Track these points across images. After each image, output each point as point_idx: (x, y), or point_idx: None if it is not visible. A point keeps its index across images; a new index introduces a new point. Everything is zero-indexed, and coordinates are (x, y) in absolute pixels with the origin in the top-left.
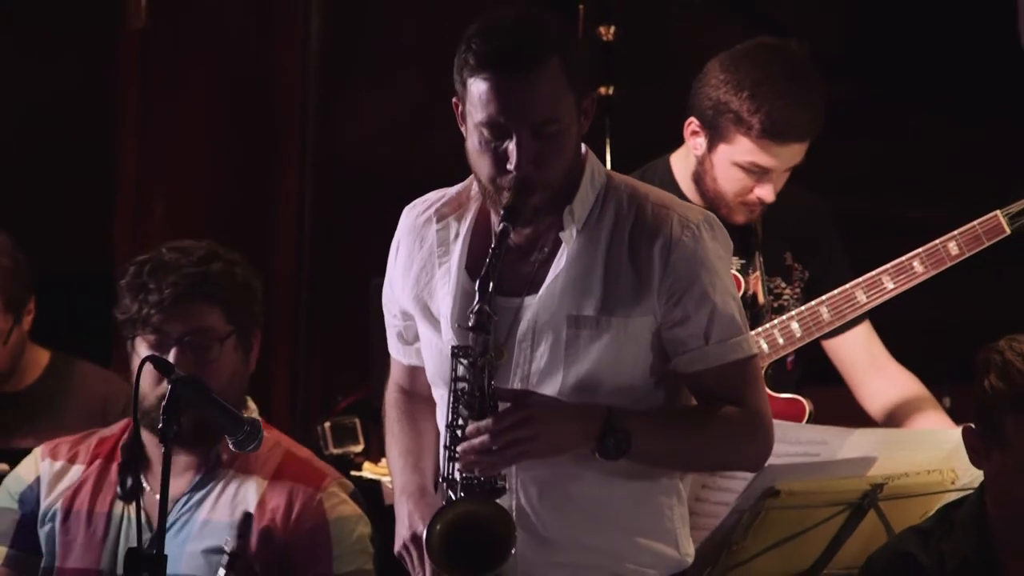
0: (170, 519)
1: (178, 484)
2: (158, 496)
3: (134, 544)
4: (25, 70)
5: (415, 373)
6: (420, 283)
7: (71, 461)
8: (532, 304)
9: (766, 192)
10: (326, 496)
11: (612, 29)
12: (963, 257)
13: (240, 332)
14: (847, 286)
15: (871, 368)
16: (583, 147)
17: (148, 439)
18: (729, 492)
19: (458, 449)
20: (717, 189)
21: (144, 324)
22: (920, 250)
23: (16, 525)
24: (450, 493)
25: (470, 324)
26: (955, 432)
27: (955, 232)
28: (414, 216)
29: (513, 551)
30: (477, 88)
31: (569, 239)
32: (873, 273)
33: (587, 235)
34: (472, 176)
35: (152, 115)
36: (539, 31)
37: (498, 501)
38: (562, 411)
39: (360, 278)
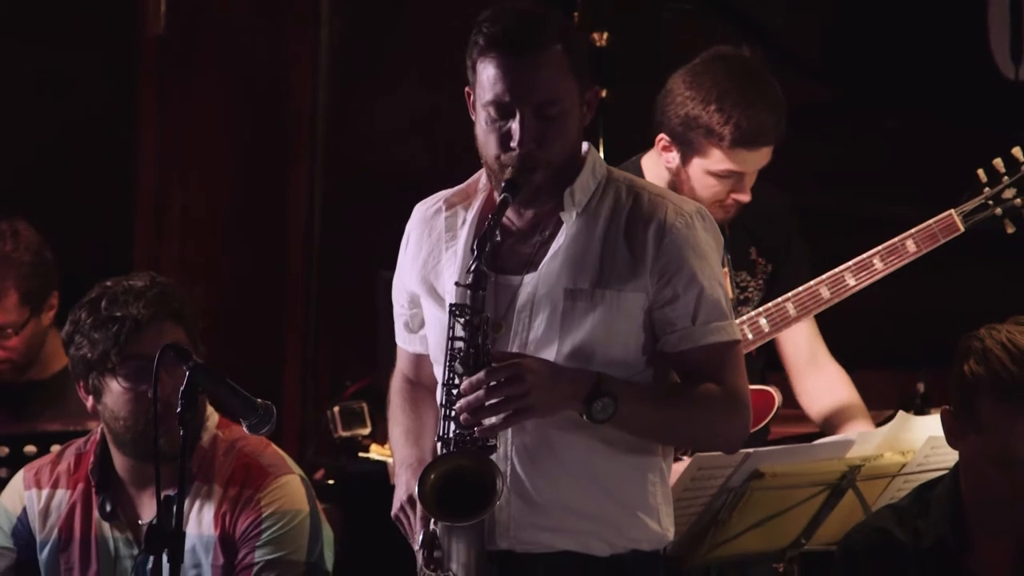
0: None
1: (152, 505)
2: (140, 519)
3: (127, 562)
4: (52, 75)
5: (419, 362)
6: (428, 266)
7: (54, 487)
8: (532, 280)
9: (742, 194)
10: (265, 495)
11: (605, 35)
12: (920, 254)
13: (197, 348)
14: (812, 283)
15: (810, 365)
16: (586, 144)
17: (118, 461)
18: (718, 478)
19: (454, 406)
20: (693, 196)
21: (120, 353)
22: (880, 248)
23: (15, 563)
24: (443, 450)
25: (467, 281)
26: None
27: (912, 231)
28: (424, 209)
29: (498, 500)
30: (485, 69)
31: (569, 219)
32: (836, 271)
33: (586, 217)
34: (480, 171)
35: (170, 117)
36: (544, 19)
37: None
38: (553, 371)
39: (367, 271)
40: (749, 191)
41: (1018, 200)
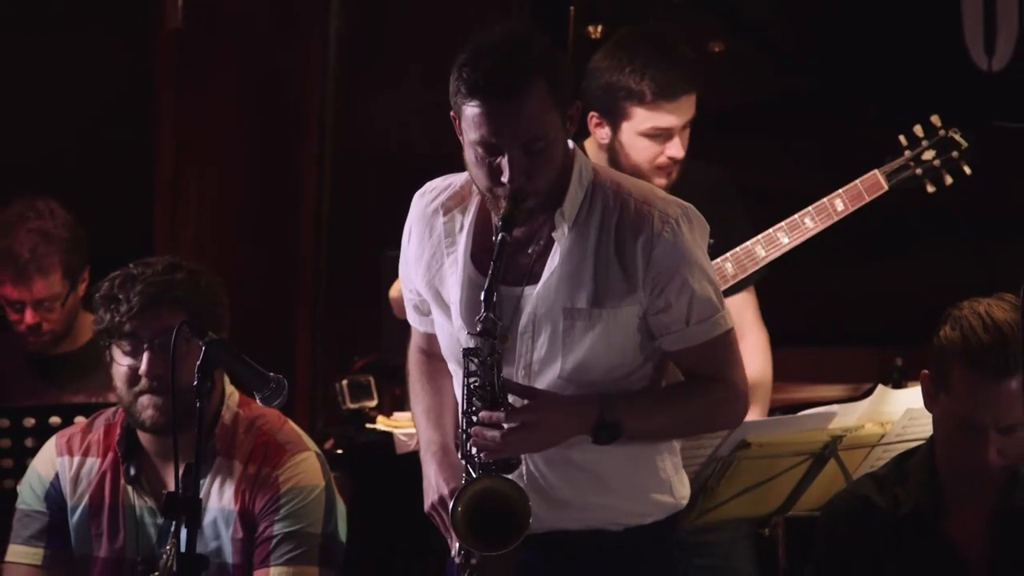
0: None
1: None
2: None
3: (151, 529)
4: (74, 69)
5: (432, 339)
6: (431, 270)
7: (85, 454)
8: (531, 296)
9: (675, 150)
10: (282, 472)
11: (600, 28)
12: (848, 212)
13: (204, 332)
14: (747, 243)
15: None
16: (571, 145)
17: (142, 434)
18: (708, 448)
19: (472, 428)
20: (632, 164)
21: (118, 332)
22: (810, 208)
23: (47, 526)
24: (468, 468)
25: (478, 330)
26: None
27: (840, 190)
28: (423, 205)
29: (529, 524)
30: (470, 112)
31: (561, 238)
32: (770, 230)
33: (577, 232)
34: None
35: (187, 107)
36: (523, 57)
37: (511, 475)
38: (562, 409)
39: (374, 252)
40: (682, 147)
41: (937, 162)
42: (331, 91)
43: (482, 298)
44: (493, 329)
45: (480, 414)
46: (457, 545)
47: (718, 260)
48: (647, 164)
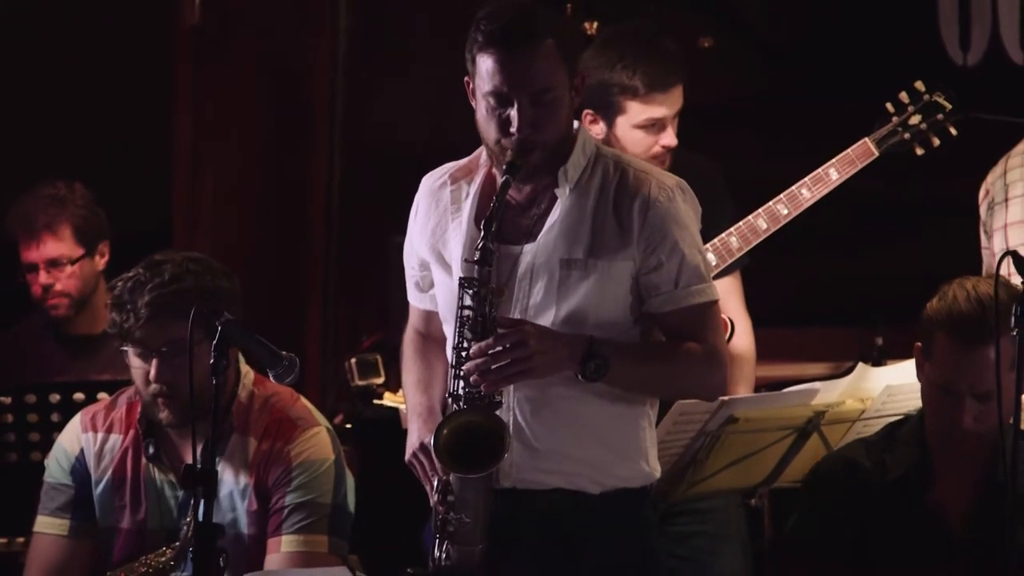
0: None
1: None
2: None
3: (171, 501)
4: (98, 63)
5: (429, 317)
6: (436, 235)
7: (108, 431)
8: (530, 250)
9: (668, 139)
10: (294, 446)
11: (595, 24)
12: (842, 180)
13: (211, 336)
14: (749, 217)
15: None
16: (576, 123)
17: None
18: (697, 423)
19: (463, 367)
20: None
21: (129, 337)
22: (806, 179)
23: (73, 499)
24: (454, 406)
25: (475, 258)
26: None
27: (833, 160)
28: (431, 182)
29: (506, 453)
30: (484, 62)
31: (563, 194)
32: (768, 204)
33: (578, 192)
34: (480, 148)
35: (203, 100)
36: (536, 16)
37: (495, 412)
38: (552, 337)
39: (381, 237)
40: (674, 136)
41: (923, 125)
42: (340, 85)
43: (480, 226)
44: (489, 257)
45: (471, 349)
46: (435, 483)
47: (723, 235)
48: (643, 155)
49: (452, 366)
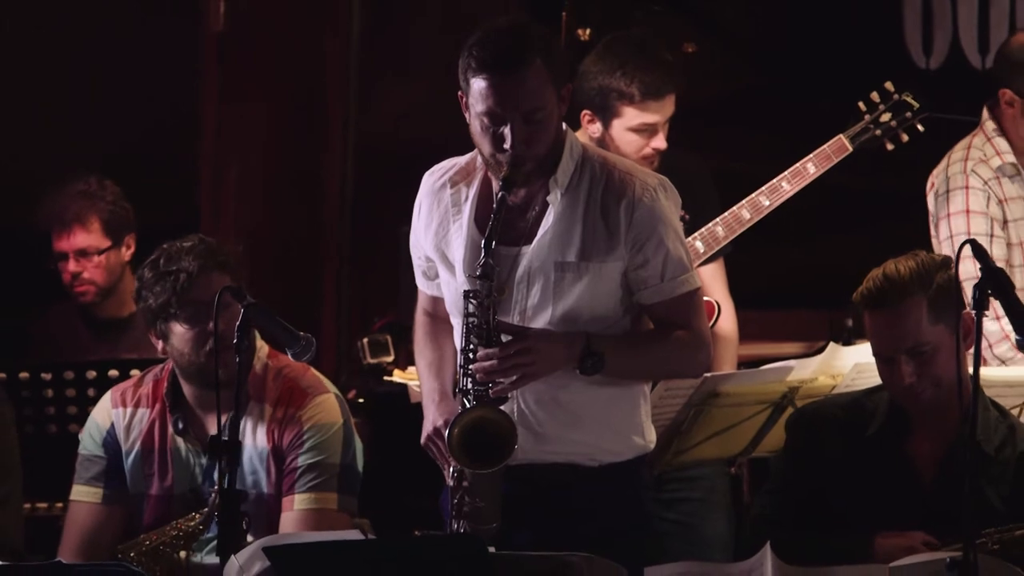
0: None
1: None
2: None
3: (196, 469)
4: (128, 65)
5: (437, 301)
6: (439, 236)
7: (137, 406)
8: (527, 253)
9: (659, 142)
10: (305, 412)
11: (588, 31)
12: (819, 173)
13: (243, 296)
14: (734, 208)
15: None
16: (564, 125)
17: (186, 388)
18: (681, 397)
19: (470, 368)
20: (620, 155)
21: (179, 300)
22: (786, 172)
23: (106, 469)
24: (464, 401)
25: (478, 273)
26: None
27: (810, 155)
28: (432, 181)
29: (515, 447)
30: (477, 85)
31: (555, 201)
32: (751, 196)
33: (569, 197)
34: (476, 150)
35: (228, 100)
36: (525, 38)
37: (502, 407)
38: (551, 340)
39: (391, 225)
40: (664, 139)
41: (893, 123)
42: (353, 85)
43: (482, 245)
44: (491, 273)
45: (478, 354)
46: (451, 469)
47: (710, 225)
48: (634, 155)
49: (461, 367)
